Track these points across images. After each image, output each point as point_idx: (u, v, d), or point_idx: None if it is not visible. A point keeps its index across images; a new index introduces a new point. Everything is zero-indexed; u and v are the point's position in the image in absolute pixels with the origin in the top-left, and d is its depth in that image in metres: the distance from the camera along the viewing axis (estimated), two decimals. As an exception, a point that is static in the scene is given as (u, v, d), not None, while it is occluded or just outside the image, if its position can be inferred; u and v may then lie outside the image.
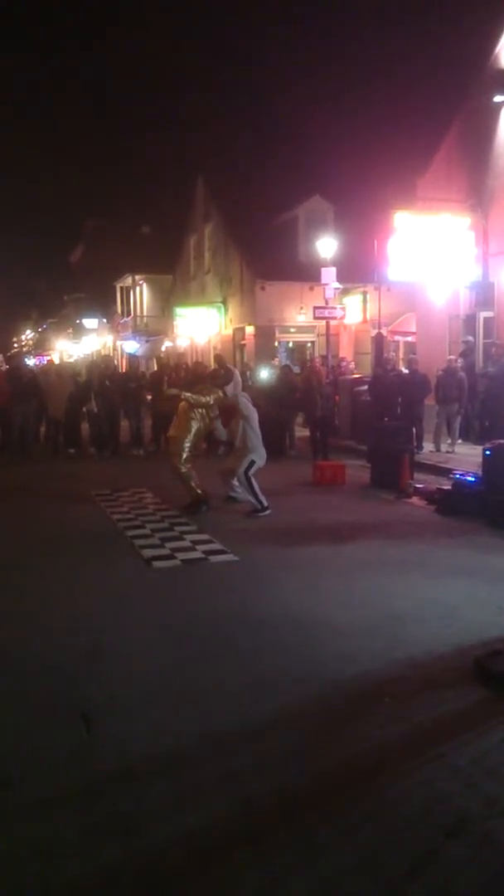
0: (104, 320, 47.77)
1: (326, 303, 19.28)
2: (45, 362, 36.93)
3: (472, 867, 2.89)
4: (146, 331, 39.32)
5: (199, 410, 9.45)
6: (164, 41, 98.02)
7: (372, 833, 3.08)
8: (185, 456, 9.42)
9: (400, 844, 3.01)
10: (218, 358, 17.23)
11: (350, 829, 3.11)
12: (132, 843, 3.04)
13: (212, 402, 9.50)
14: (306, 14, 79.48)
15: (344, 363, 20.24)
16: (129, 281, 41.14)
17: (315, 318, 20.10)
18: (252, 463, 9.29)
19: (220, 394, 9.61)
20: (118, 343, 44.28)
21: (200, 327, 28.91)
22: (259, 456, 9.38)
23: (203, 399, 9.43)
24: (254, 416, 9.46)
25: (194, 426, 9.45)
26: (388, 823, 3.14)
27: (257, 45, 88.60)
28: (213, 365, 15.78)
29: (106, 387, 15.73)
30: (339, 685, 4.43)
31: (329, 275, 18.88)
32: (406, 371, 14.94)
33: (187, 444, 9.44)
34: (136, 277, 40.39)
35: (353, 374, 18.81)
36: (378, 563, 7.03)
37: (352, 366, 20.60)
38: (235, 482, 9.59)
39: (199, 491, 9.46)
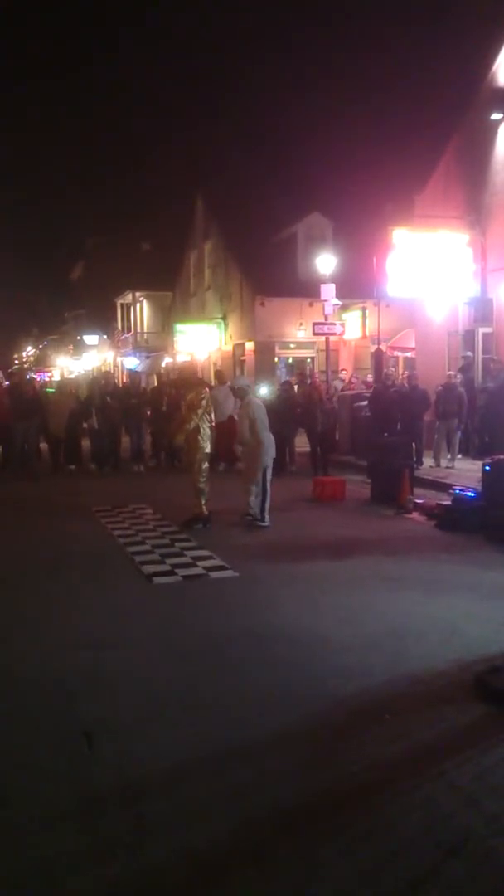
0: (105, 337, 47.90)
1: (326, 319, 19.36)
2: (46, 379, 37.08)
3: (474, 885, 2.89)
4: (146, 347, 39.42)
5: (200, 413, 9.55)
6: (164, 58, 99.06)
7: (373, 850, 3.08)
8: (203, 475, 9.46)
9: (401, 862, 3.00)
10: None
11: (351, 845, 3.11)
12: (133, 860, 3.04)
13: (205, 405, 9.59)
14: (305, 33, 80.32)
15: (355, 380, 20.30)
16: (129, 297, 41.32)
17: (314, 333, 20.21)
18: (267, 467, 9.37)
19: (206, 391, 9.80)
20: (119, 359, 44.38)
21: (200, 343, 29.02)
22: (267, 452, 9.42)
23: (199, 413, 9.48)
24: (262, 415, 9.52)
25: (203, 440, 9.51)
26: (389, 841, 3.13)
27: (257, 63, 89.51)
28: (212, 379, 15.70)
29: (107, 403, 15.77)
30: (339, 701, 4.43)
31: (328, 291, 18.96)
32: (406, 386, 14.98)
33: (203, 460, 9.50)
34: (137, 294, 40.56)
35: (352, 388, 18.91)
36: (378, 579, 7.03)
37: (354, 380, 20.72)
38: (252, 499, 9.52)
39: (205, 509, 9.45)
